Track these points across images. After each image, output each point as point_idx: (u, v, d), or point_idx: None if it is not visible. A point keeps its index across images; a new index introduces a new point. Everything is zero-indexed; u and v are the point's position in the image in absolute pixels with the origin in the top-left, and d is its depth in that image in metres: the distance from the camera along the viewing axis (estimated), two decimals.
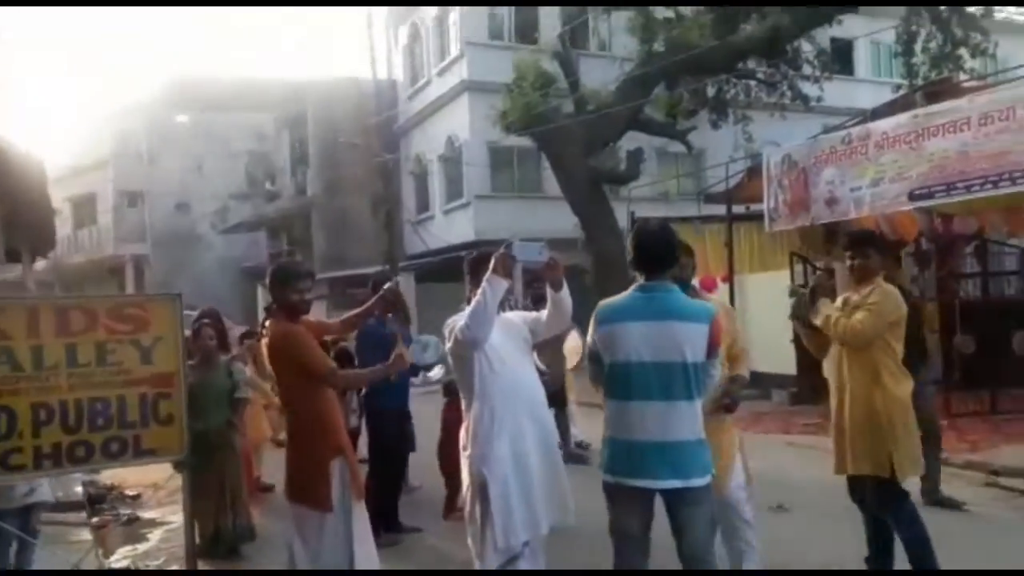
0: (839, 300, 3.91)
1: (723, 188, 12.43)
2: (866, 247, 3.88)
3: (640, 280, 3.07)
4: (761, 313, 9.99)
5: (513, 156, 18.58)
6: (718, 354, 3.08)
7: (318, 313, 5.67)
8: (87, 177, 28.15)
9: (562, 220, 15.20)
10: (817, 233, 9.74)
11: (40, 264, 14.90)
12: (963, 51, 14.94)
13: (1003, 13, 16.57)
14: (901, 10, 16.09)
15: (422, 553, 5.05)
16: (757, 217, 10.40)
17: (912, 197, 7.77)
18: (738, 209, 11.71)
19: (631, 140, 15.67)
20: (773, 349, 9.23)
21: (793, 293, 4.13)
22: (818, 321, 3.79)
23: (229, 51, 64.42)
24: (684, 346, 2.91)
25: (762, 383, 9.59)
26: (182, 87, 25.66)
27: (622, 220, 13.80)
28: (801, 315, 3.93)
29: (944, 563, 3.63)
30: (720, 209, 12.15)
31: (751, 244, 11.79)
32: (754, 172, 11.00)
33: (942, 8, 14.91)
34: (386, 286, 4.17)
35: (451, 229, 19.70)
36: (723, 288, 11.12)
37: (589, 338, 3.12)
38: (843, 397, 3.78)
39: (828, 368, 3.95)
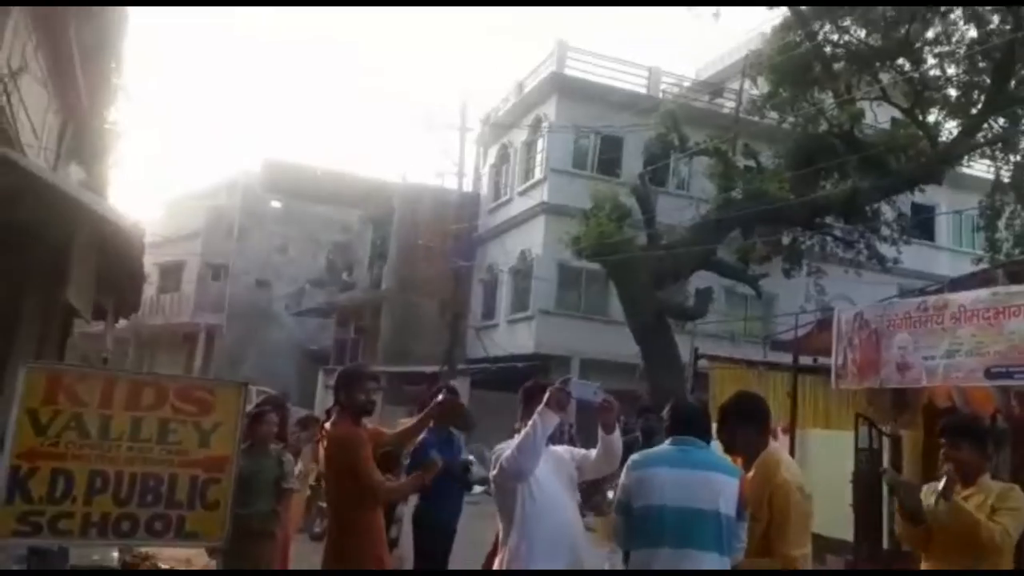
0: (928, 491, 3.49)
1: (791, 337, 12.24)
2: (960, 438, 3.49)
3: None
4: (821, 472, 9.57)
5: (582, 277, 18.85)
6: (746, 518, 2.99)
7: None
8: (179, 246, 29.76)
9: (623, 345, 15.19)
10: (885, 396, 9.42)
11: (121, 323, 15.65)
12: None
13: None
14: (986, 184, 16.10)
15: None
16: (824, 371, 10.16)
17: (989, 375, 7.47)
18: (805, 360, 11.47)
19: (701, 278, 15.74)
20: (831, 511, 8.74)
21: (893, 482, 3.64)
22: (954, 518, 3.29)
23: (328, 147, 68.49)
24: (718, 496, 2.91)
25: (815, 547, 9.05)
26: (278, 173, 27.27)
27: (685, 355, 13.69)
28: (911, 508, 3.41)
29: None
30: (786, 357, 11.91)
31: (816, 398, 11.43)
32: (824, 325, 10.81)
33: None
34: (440, 397, 4.25)
35: (513, 339, 19.92)
36: (783, 440, 10.77)
37: (619, 489, 3.13)
38: None
39: (933, 566, 3.51)
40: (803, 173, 14.44)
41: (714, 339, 14.98)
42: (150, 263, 31.95)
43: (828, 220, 15.96)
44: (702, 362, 12.42)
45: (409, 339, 22.27)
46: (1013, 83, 13.98)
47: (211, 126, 68.17)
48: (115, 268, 7.97)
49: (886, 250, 16.26)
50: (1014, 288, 7.64)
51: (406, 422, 5.69)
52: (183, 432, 3.98)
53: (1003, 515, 3.31)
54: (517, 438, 3.36)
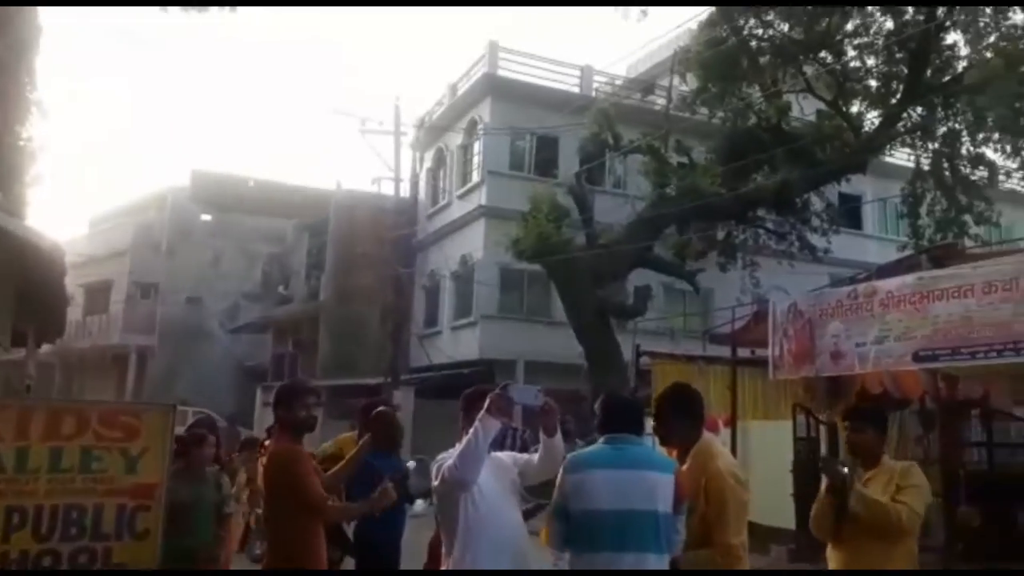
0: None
1: (729, 330, 12.46)
2: (862, 423, 3.64)
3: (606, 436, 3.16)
4: (762, 462, 9.79)
5: (524, 279, 18.81)
6: (683, 511, 3.02)
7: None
8: (105, 265, 28.70)
9: (567, 346, 15.23)
10: (821, 385, 9.66)
11: (45, 348, 15.00)
12: (967, 217, 15.37)
13: (1007, 184, 17.16)
14: (908, 172, 16.71)
15: None
16: (761, 363, 10.34)
17: (916, 358, 7.73)
18: (743, 352, 11.68)
19: (640, 276, 15.91)
20: (773, 500, 8.96)
21: (828, 468, 3.61)
22: (862, 507, 3.36)
23: (259, 157, 67.12)
24: (655, 495, 2.92)
25: (759, 536, 9.24)
26: (208, 185, 26.54)
27: (627, 352, 13.82)
28: (842, 496, 3.44)
29: None
30: (725, 350, 12.12)
31: (755, 390, 11.66)
32: (760, 317, 11.00)
33: (947, 174, 15.49)
34: (377, 410, 4.15)
35: (457, 346, 19.78)
36: (725, 433, 10.95)
37: (556, 493, 3.10)
38: None
39: (843, 557, 3.55)
40: (734, 167, 14.76)
41: (654, 336, 15.14)
42: (74, 284, 30.72)
43: (760, 213, 16.35)
44: (644, 359, 12.55)
45: (350, 351, 21.88)
46: (929, 72, 14.56)
47: (137, 140, 66.10)
48: (35, 291, 7.63)
49: (816, 240, 16.72)
50: (937, 272, 7.91)
51: (345, 438, 5.56)
52: (108, 460, 3.77)
53: (907, 493, 3.40)
54: (459, 447, 3.30)
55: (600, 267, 14.48)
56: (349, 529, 5.23)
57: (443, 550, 3.44)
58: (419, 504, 5.97)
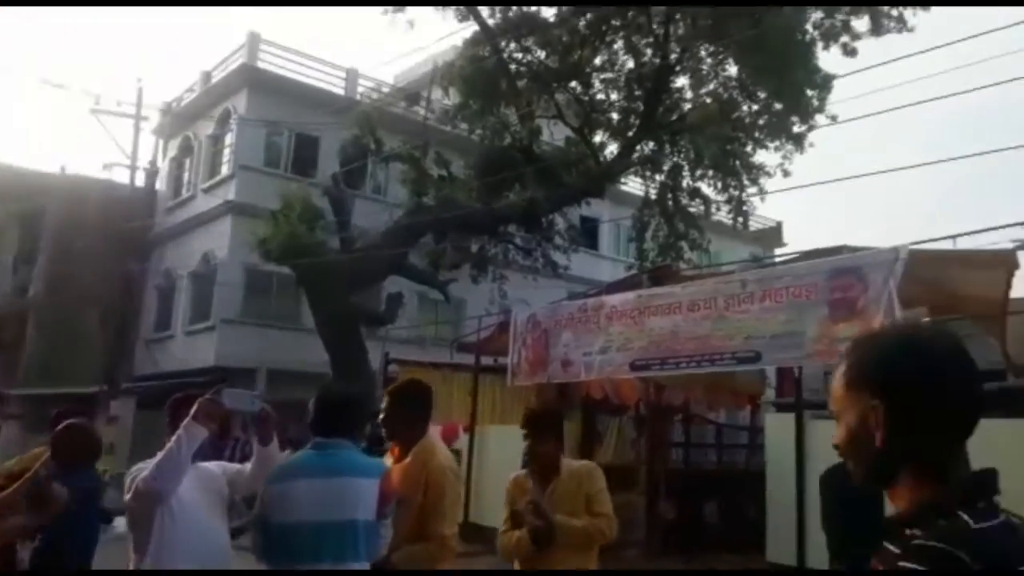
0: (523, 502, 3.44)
1: (475, 339, 12.89)
2: (544, 431, 3.54)
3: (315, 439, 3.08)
4: (497, 466, 10.16)
5: (272, 283, 17.86)
6: (388, 514, 3.02)
7: (9, 435, 4.78)
8: None
9: (315, 354, 14.74)
10: (552, 391, 10.31)
11: None
12: (683, 243, 17.37)
13: (717, 216, 19.58)
14: (639, 200, 18.51)
15: None
16: (502, 370, 10.82)
17: (633, 367, 8.55)
18: (487, 361, 12.12)
19: (393, 283, 15.92)
20: (503, 503, 9.34)
21: (536, 532, 3.34)
22: (571, 539, 3.31)
23: None
24: (357, 503, 2.89)
25: (488, 538, 9.56)
26: None
27: (376, 361, 13.72)
28: (545, 542, 3.30)
29: None
30: (472, 359, 12.51)
31: (493, 396, 12.14)
32: (504, 327, 11.53)
33: (669, 204, 17.39)
34: (65, 424, 3.74)
35: (192, 352, 18.30)
36: (465, 438, 11.26)
37: (258, 503, 3.00)
38: None
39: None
40: (489, 183, 15.34)
41: (405, 344, 15.19)
42: None
43: (510, 229, 17.14)
44: (392, 367, 12.56)
45: (63, 355, 19.27)
46: (660, 110, 16.26)
47: None
48: None
49: (559, 257, 17.89)
50: (655, 290, 8.84)
51: (35, 453, 4.91)
52: None
53: (600, 502, 3.40)
54: (158, 455, 3.04)
55: (354, 273, 14.26)
56: (25, 553, 4.56)
57: (130, 566, 3.13)
58: (120, 523, 5.40)
